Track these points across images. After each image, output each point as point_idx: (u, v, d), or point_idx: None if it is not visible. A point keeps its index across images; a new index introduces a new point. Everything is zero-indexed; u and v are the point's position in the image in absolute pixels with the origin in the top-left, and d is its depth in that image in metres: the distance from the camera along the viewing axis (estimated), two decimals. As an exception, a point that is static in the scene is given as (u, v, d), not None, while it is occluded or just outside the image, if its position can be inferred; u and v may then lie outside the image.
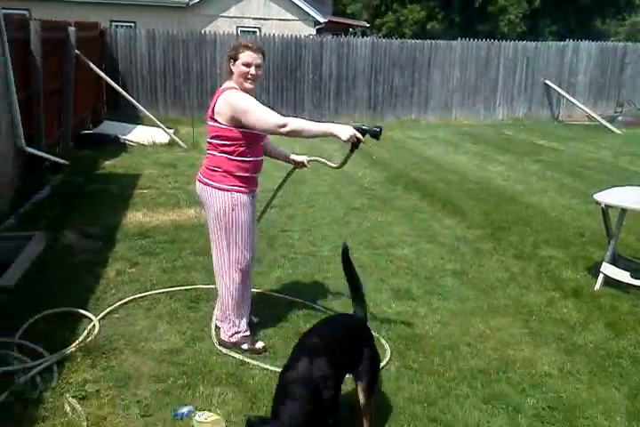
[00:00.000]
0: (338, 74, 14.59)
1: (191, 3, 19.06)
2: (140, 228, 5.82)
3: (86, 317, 3.91)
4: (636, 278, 4.62)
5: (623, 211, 4.68)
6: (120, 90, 11.22)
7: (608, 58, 16.14)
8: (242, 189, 3.49)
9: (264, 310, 4.13)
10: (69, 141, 9.44)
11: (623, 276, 4.67)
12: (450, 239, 5.91)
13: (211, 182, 3.49)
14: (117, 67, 13.35)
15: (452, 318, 4.19)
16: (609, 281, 4.73)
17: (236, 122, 3.36)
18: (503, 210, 6.94)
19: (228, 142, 3.43)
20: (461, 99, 15.47)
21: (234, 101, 3.35)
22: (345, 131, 3.26)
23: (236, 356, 3.50)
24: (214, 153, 3.49)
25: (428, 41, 15.36)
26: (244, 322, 3.67)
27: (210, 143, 3.52)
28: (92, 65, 10.60)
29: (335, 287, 4.60)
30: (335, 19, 26.03)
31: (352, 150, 3.43)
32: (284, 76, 14.29)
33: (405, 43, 15.19)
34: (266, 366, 3.41)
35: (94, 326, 3.78)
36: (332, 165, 3.86)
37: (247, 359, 3.47)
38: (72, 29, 9.56)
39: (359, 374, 2.78)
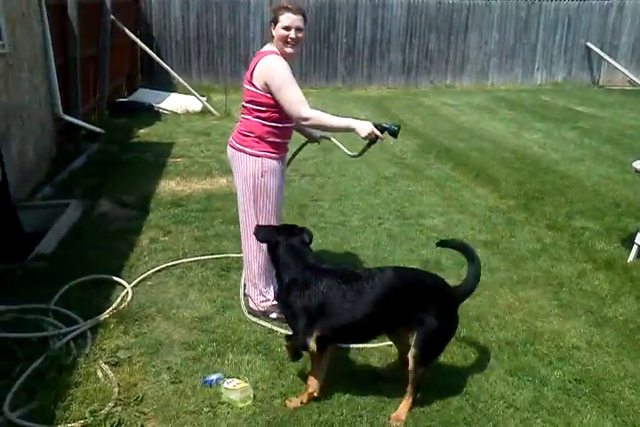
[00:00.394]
0: (372, 38, 14.30)
1: (225, -35, 18.77)
2: (173, 196, 5.90)
3: (120, 284, 4.02)
4: (671, 251, 4.53)
5: (662, 181, 4.57)
6: (155, 56, 11.22)
7: (655, 17, 15.42)
8: (273, 155, 3.49)
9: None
10: (105, 109, 9.54)
11: (658, 248, 4.59)
12: (482, 209, 5.85)
13: (242, 148, 3.48)
14: (151, 33, 13.32)
15: (481, 290, 4.15)
16: (643, 253, 4.66)
17: (269, 90, 3.33)
18: (538, 179, 6.82)
19: (263, 108, 3.40)
20: (499, 63, 15.05)
21: (273, 71, 3.30)
22: (364, 128, 3.22)
23: (265, 324, 3.57)
24: (248, 118, 3.47)
25: (466, 1, 14.90)
26: (271, 291, 3.73)
27: (245, 107, 3.48)
28: (127, 31, 10.60)
29: (364, 257, 4.63)
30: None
31: (369, 145, 3.38)
32: (317, 41, 14.06)
33: (442, 3, 14.75)
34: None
35: (127, 293, 3.89)
36: (348, 152, 3.76)
37: (275, 328, 3.54)
38: (107, -6, 9.53)
39: (415, 340, 2.76)
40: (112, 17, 9.67)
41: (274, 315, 3.70)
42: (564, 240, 5.10)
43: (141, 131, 8.88)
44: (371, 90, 14.11)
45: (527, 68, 15.22)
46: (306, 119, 3.29)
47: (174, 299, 3.89)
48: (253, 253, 3.66)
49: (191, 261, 4.43)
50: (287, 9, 3.34)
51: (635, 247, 4.67)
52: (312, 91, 13.49)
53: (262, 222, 3.53)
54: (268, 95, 3.34)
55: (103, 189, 6.02)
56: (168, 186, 6.25)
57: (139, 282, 4.07)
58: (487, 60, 14.98)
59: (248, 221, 3.58)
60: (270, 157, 3.48)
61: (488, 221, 5.53)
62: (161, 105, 10.43)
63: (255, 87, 3.36)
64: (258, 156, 3.46)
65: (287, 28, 3.33)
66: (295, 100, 3.28)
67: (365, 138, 3.24)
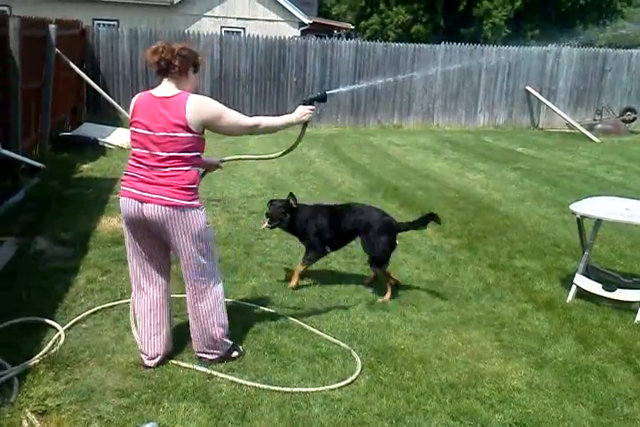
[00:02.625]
0: (321, 77, 14.58)
1: (175, 1, 19.00)
2: (114, 234, 5.73)
3: (52, 327, 3.84)
4: (607, 291, 4.64)
5: (598, 221, 4.72)
6: (100, 91, 11.12)
7: (589, 64, 16.27)
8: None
9: (237, 320, 4.07)
10: (47, 144, 9.32)
11: (595, 288, 4.70)
12: (427, 249, 5.90)
13: (189, 203, 3.22)
14: (98, 67, 13.22)
15: (425, 330, 4.18)
16: (581, 293, 4.76)
17: (205, 128, 3.26)
18: (481, 219, 6.96)
19: (198, 153, 3.26)
20: (443, 104, 15.52)
21: (208, 106, 3.24)
22: (301, 115, 3.55)
23: (204, 369, 3.45)
24: (185, 169, 3.21)
25: (412, 44, 15.42)
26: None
27: (180, 158, 3.19)
28: (72, 64, 10.50)
29: (310, 298, 4.58)
30: (320, 20, 26.08)
31: (305, 126, 3.68)
32: (267, 78, 14.25)
33: (389, 46, 15.23)
34: (234, 379, 3.36)
35: (60, 336, 3.71)
36: (272, 155, 3.88)
37: (215, 373, 3.42)
38: (52, 27, 9.42)
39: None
40: (57, 50, 9.55)
41: (235, 353, 3.63)
42: (505, 280, 5.18)
43: (84, 166, 8.70)
44: (320, 128, 14.29)
45: (470, 111, 15.75)
46: (257, 125, 3.42)
47: (109, 343, 3.73)
48: (215, 311, 3.48)
49: (129, 302, 4.26)
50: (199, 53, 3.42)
51: (573, 288, 4.77)
52: (261, 128, 13.54)
53: (216, 270, 3.47)
54: (202, 137, 3.26)
55: (41, 226, 5.82)
56: (109, 223, 6.08)
57: (72, 325, 3.89)
58: (432, 101, 15.43)
59: (203, 278, 3.40)
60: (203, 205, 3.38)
61: (433, 261, 5.58)
62: (106, 140, 10.28)
63: (192, 132, 3.18)
64: (199, 207, 3.30)
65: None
66: (238, 117, 3.36)
67: (308, 120, 3.57)
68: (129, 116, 3.41)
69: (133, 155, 3.30)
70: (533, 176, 9.64)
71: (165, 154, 3.19)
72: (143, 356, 3.50)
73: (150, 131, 3.20)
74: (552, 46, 16.06)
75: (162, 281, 3.52)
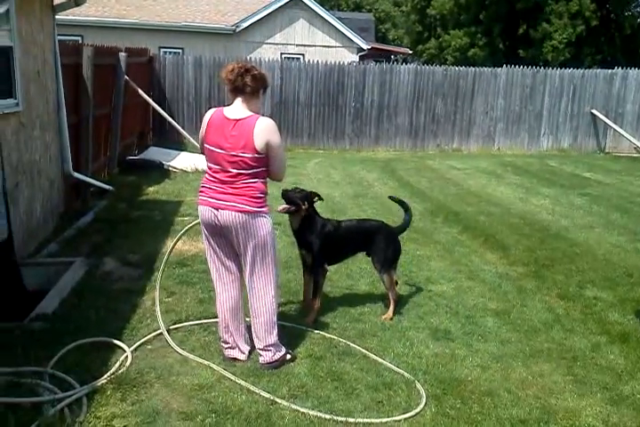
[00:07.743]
0: (379, 101, 14.62)
1: (238, 29, 19.49)
2: (179, 256, 5.83)
3: (120, 347, 3.90)
4: (688, 325, 4.41)
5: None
6: (166, 116, 11.47)
7: (659, 87, 15.73)
8: None
9: (298, 345, 4.07)
10: (115, 167, 9.64)
11: (674, 321, 4.47)
12: (491, 276, 5.75)
13: (260, 210, 3.59)
14: (164, 93, 13.67)
15: (493, 362, 4.04)
16: (659, 326, 4.53)
17: (267, 149, 3.54)
18: (548, 246, 6.74)
19: (265, 168, 3.61)
20: (505, 128, 15.29)
21: (275, 133, 3.57)
22: None
23: (267, 395, 3.42)
24: (255, 180, 3.57)
25: (472, 68, 15.31)
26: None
27: (248, 174, 3.55)
28: (140, 91, 10.87)
29: (372, 325, 4.51)
30: (377, 45, 26.26)
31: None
32: (325, 103, 14.40)
33: (449, 70, 15.16)
34: (296, 407, 3.32)
35: (127, 357, 3.77)
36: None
37: (278, 400, 3.39)
38: (122, 55, 9.83)
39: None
40: (126, 77, 9.91)
41: (288, 356, 3.85)
42: (576, 311, 4.97)
43: (150, 189, 8.93)
44: (378, 152, 14.28)
45: (533, 134, 15.44)
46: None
47: (174, 365, 3.76)
48: (271, 303, 3.79)
49: (193, 325, 4.33)
50: None
51: (650, 320, 4.55)
52: (320, 151, 13.70)
53: (276, 270, 3.79)
54: (265, 155, 3.55)
55: (109, 246, 5.98)
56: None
57: (139, 346, 3.95)
58: (493, 125, 15.22)
59: (265, 275, 3.73)
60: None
61: (498, 289, 5.42)
62: (171, 163, 10.55)
63: (258, 153, 3.51)
64: (267, 213, 3.66)
65: None
66: (285, 160, 3.73)
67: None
68: (202, 131, 3.68)
69: (209, 168, 3.65)
70: (602, 202, 9.30)
71: (235, 171, 3.53)
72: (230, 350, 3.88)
73: (222, 150, 3.53)
74: (618, 69, 15.63)
75: (234, 285, 3.87)
